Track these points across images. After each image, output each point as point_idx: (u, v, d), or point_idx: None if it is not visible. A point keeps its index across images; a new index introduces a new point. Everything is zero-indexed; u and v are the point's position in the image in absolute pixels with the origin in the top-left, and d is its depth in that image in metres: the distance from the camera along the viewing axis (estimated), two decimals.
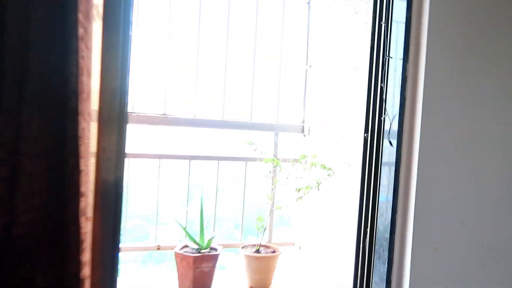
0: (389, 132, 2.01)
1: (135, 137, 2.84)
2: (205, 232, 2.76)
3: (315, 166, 2.69)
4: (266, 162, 2.74)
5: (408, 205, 1.88)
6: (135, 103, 2.75)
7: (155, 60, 2.82)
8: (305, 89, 3.08)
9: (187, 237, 2.71)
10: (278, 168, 2.79)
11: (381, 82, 2.08)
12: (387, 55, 2.04)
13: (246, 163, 2.98)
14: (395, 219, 1.92)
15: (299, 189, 2.70)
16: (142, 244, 2.84)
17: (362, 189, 2.20)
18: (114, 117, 1.66)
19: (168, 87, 2.79)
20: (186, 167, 2.91)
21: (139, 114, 2.71)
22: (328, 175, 2.62)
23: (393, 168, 1.96)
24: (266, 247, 2.85)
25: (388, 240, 1.93)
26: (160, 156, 2.79)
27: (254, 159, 2.84)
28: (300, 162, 2.95)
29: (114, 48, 1.63)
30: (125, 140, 1.74)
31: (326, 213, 2.67)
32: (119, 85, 1.67)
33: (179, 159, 2.90)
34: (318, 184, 2.62)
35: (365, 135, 2.21)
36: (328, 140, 2.70)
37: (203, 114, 2.85)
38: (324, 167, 2.63)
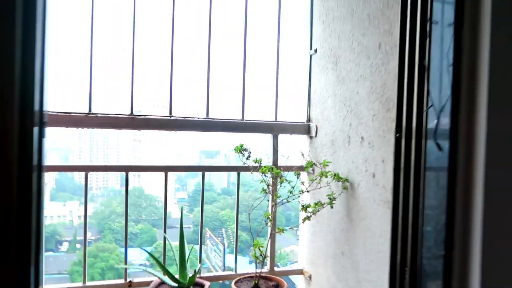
0: (435, 131, 1.38)
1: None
2: (188, 264, 2.14)
3: (326, 176, 2.06)
4: (262, 173, 2.11)
5: (472, 239, 1.26)
6: (94, 102, 2.13)
7: (119, 46, 2.20)
8: (309, 80, 2.45)
9: (164, 272, 2.09)
10: (279, 179, 2.16)
11: (421, 59, 1.45)
12: (429, 19, 1.41)
13: (238, 174, 2.35)
14: (452, 259, 1.29)
15: (306, 207, 2.07)
16: (110, 281, 2.21)
17: (395, 211, 1.57)
18: (12, 120, 1.05)
19: (135, 81, 2.17)
20: (161, 180, 2.28)
21: (98, 115, 2.09)
22: (344, 188, 1.99)
23: (443, 183, 1.33)
24: (267, 279, 2.22)
25: None
26: (126, 169, 2.17)
27: (248, 168, 2.21)
28: (307, 171, 2.32)
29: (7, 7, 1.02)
30: (39, 149, 1.13)
31: (342, 237, 2.04)
32: (19, 72, 1.06)
33: (151, 171, 2.28)
34: (331, 200, 1.99)
35: (397, 135, 1.58)
36: (342, 142, 2.07)
37: (182, 113, 2.23)
38: (339, 178, 2.00)
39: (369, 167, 1.83)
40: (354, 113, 1.98)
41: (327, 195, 2.02)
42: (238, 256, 2.52)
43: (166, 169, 2.25)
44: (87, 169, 2.10)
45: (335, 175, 2.03)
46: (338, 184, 2.03)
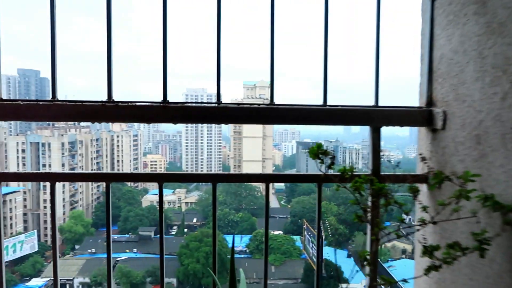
0: None
1: None
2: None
3: (467, 198, 1.14)
4: (355, 189, 1.26)
5: None
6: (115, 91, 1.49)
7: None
8: (430, 40, 1.51)
9: None
10: (382, 199, 1.29)
11: None
12: None
13: (319, 187, 1.54)
14: None
15: (432, 249, 1.17)
16: None
17: None
18: None
19: (171, 60, 1.47)
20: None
21: (119, 104, 1.44)
22: (506, 222, 1.06)
23: None
24: None
25: None
26: (162, 178, 1.50)
27: (331, 179, 1.37)
28: (432, 188, 1.40)
29: None
30: None
31: None
32: None
33: (192, 181, 1.51)
34: (482, 242, 1.08)
35: None
36: (499, 140, 1.13)
37: (234, 99, 1.47)
38: (494, 204, 1.08)
39: None
40: None
41: (473, 233, 1.10)
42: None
43: (214, 179, 1.54)
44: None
45: (486, 197, 1.10)
46: (492, 215, 1.10)
